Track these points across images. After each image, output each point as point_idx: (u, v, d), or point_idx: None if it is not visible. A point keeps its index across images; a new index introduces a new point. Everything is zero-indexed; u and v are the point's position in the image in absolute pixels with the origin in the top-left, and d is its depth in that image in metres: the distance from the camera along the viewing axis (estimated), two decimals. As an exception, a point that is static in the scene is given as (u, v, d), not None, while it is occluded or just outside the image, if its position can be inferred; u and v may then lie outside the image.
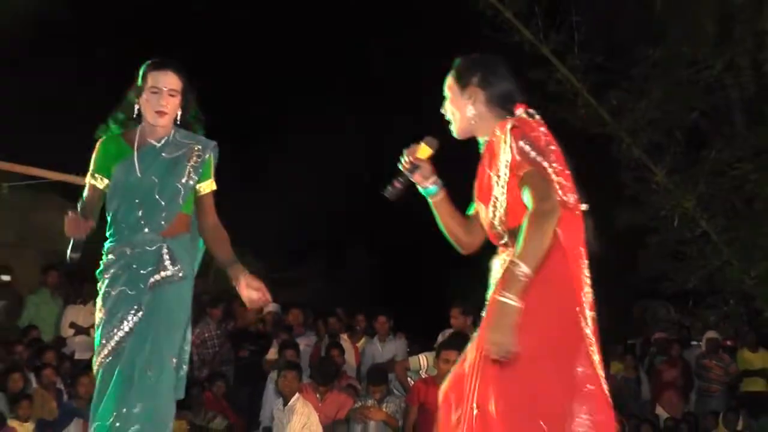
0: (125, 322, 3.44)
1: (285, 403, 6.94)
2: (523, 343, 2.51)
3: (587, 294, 2.73)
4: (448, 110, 2.86)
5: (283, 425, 6.86)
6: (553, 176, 2.67)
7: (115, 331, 3.44)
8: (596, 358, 2.64)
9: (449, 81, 2.85)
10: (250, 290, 3.43)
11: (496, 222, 2.73)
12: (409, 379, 7.77)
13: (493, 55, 2.95)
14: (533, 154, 2.65)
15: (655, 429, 7.90)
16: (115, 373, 3.41)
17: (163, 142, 3.53)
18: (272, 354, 8.40)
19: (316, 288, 11.32)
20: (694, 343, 9.68)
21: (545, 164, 2.67)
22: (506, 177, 2.67)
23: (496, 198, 2.71)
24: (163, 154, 3.52)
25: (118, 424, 3.37)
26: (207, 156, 3.56)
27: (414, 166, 2.88)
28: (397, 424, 7.10)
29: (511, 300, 2.54)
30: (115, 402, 3.40)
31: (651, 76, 9.17)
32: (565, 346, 2.65)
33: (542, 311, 2.64)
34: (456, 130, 2.87)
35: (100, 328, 3.50)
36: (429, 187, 2.92)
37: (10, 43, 10.28)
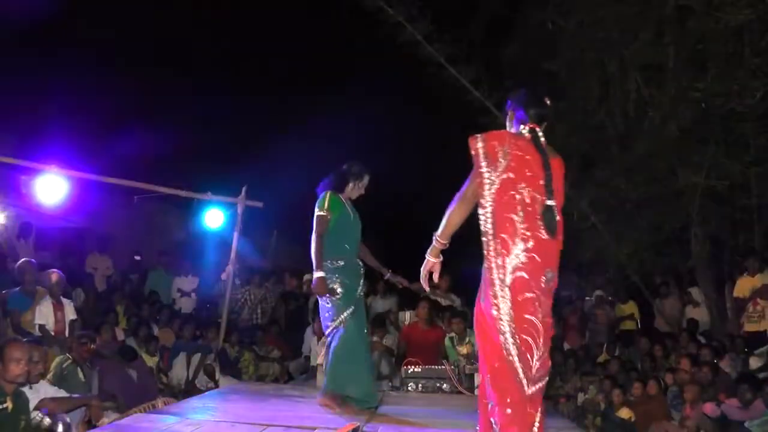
0: (356, 298, 4.13)
1: (318, 340, 7.00)
2: None
3: (514, 258, 2.55)
4: None
5: (317, 354, 6.81)
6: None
7: (347, 308, 4.06)
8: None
9: None
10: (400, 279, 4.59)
11: None
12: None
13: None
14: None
15: (563, 356, 7.97)
16: (357, 332, 4.07)
17: (351, 203, 4.28)
18: (310, 307, 8.41)
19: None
20: (588, 298, 9.66)
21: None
22: None
23: None
24: (354, 212, 4.27)
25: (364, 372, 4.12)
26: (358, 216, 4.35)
27: None
28: (393, 351, 7.16)
29: (428, 257, 2.74)
30: (366, 354, 4.23)
31: (557, 120, 9.26)
32: None
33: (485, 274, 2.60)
34: None
35: (338, 304, 4.04)
36: None
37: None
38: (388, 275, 4.43)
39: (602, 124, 9.39)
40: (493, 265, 2.55)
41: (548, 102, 2.84)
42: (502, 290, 2.53)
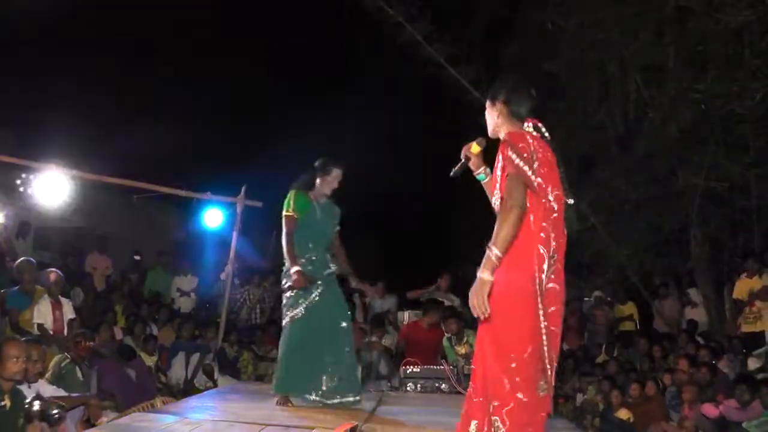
0: (313, 295, 4.10)
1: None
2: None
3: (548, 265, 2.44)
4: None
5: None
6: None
7: (306, 302, 4.08)
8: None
9: None
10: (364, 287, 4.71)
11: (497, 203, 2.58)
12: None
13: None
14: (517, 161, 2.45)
15: (562, 356, 7.95)
16: (311, 327, 4.07)
17: (323, 201, 4.29)
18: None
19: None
20: (587, 299, 9.63)
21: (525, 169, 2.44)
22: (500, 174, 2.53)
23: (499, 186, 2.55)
24: (325, 209, 4.28)
25: (335, 361, 4.11)
26: (339, 213, 4.36)
27: (467, 158, 2.69)
28: (392, 351, 7.17)
29: (485, 275, 2.32)
30: (325, 346, 4.10)
31: (556, 121, 9.24)
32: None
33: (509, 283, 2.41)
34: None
35: (296, 298, 4.10)
36: (479, 174, 2.75)
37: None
38: (354, 283, 4.48)
39: (602, 125, 9.39)
40: (536, 274, 2.43)
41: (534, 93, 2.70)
42: (540, 300, 2.45)
